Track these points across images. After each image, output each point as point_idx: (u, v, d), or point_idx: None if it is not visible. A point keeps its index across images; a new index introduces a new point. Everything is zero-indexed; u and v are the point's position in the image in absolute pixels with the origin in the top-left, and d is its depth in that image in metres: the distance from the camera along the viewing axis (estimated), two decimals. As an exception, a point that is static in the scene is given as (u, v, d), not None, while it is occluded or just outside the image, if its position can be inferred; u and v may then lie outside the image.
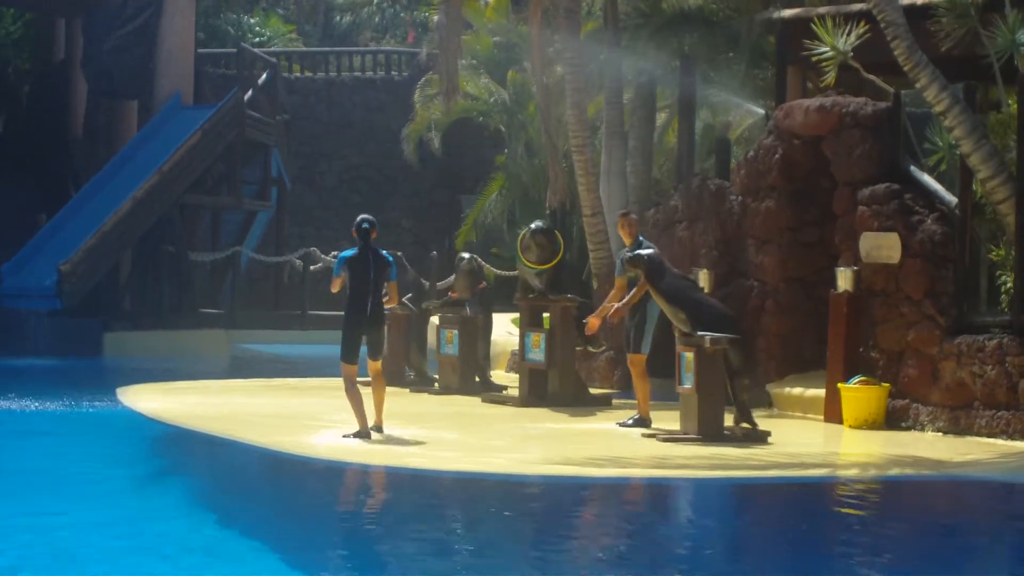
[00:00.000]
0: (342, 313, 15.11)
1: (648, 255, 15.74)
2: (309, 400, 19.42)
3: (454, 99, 26.01)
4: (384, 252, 15.11)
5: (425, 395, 20.36)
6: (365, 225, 15.02)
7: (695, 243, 20.26)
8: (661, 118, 27.40)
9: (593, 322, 16.76)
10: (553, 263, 19.01)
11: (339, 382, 15.29)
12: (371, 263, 14.92)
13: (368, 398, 15.14)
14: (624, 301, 16.10)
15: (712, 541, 10.80)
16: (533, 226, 19.34)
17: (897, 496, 12.98)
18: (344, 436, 15.02)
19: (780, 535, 11.13)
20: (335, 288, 15.24)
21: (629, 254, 15.94)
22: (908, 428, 16.62)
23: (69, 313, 29.20)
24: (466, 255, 21.53)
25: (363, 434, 14.97)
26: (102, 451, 14.98)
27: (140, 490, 12.46)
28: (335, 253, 33.98)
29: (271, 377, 22.63)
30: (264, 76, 36.25)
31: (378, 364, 15.26)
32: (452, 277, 24.26)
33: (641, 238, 16.72)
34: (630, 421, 16.58)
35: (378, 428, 15.23)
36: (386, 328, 17.54)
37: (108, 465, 13.77)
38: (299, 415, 17.33)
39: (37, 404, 18.46)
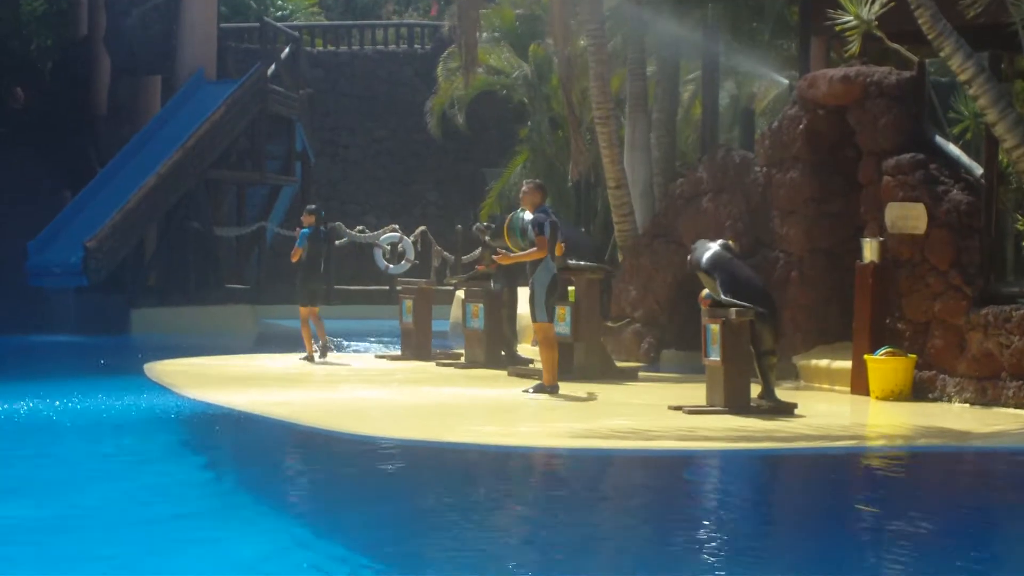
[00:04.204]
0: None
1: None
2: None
3: (473, 72, 26.06)
4: (323, 228, 21.94)
5: (452, 369, 20.41)
6: (321, 213, 22.07)
7: (720, 215, 20.22)
8: (688, 92, 27.35)
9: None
10: None
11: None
12: (323, 237, 21.91)
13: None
14: (515, 257, 17.05)
15: (739, 514, 10.76)
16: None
17: (924, 467, 12.93)
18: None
19: (808, 507, 11.12)
20: (295, 258, 21.22)
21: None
22: (935, 399, 16.59)
23: (95, 290, 29.27)
24: (478, 224, 21.49)
25: (308, 358, 21.23)
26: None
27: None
28: (360, 227, 34.29)
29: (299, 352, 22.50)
30: (287, 50, 36.26)
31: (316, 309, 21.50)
32: (477, 251, 24.28)
33: (546, 205, 17.06)
34: (531, 388, 16.97)
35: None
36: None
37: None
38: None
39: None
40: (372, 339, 28.06)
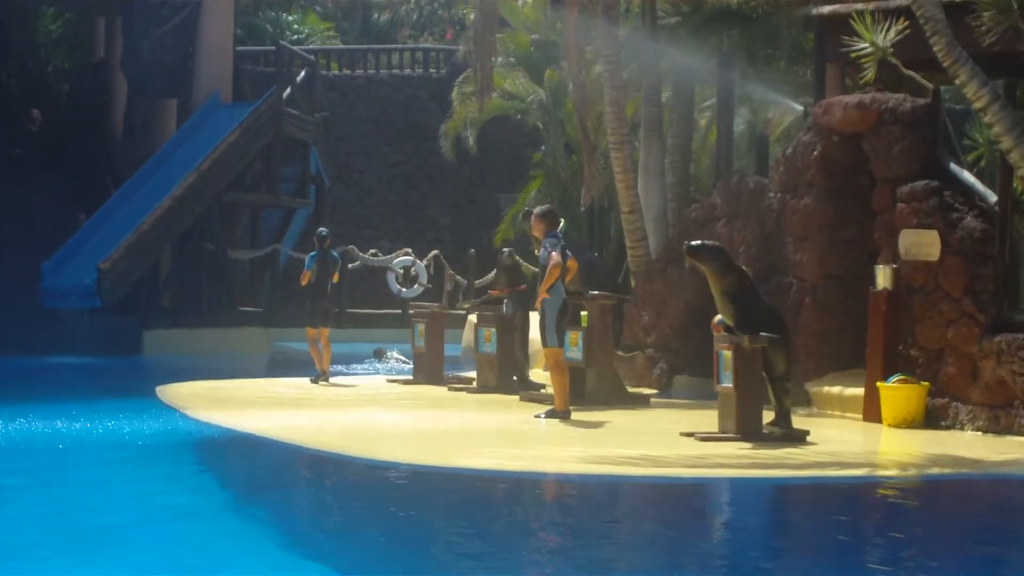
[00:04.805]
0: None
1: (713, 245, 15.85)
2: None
3: (489, 97, 26.09)
4: (334, 252, 22.82)
5: (463, 393, 20.39)
6: (322, 234, 22.53)
7: (734, 240, 20.18)
8: (704, 118, 27.34)
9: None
10: None
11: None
12: (329, 261, 22.32)
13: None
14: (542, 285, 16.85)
15: (751, 542, 10.72)
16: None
17: (937, 495, 12.88)
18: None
19: (820, 535, 11.05)
20: (304, 281, 21.86)
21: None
22: (948, 427, 16.52)
23: (109, 311, 29.29)
24: (506, 249, 21.50)
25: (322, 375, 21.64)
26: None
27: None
28: (373, 251, 34.30)
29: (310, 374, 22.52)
30: (302, 74, 36.29)
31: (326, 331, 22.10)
32: (491, 274, 24.29)
33: (556, 231, 17.11)
34: (543, 414, 16.97)
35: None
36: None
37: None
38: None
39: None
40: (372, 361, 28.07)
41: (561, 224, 17.83)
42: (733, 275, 15.59)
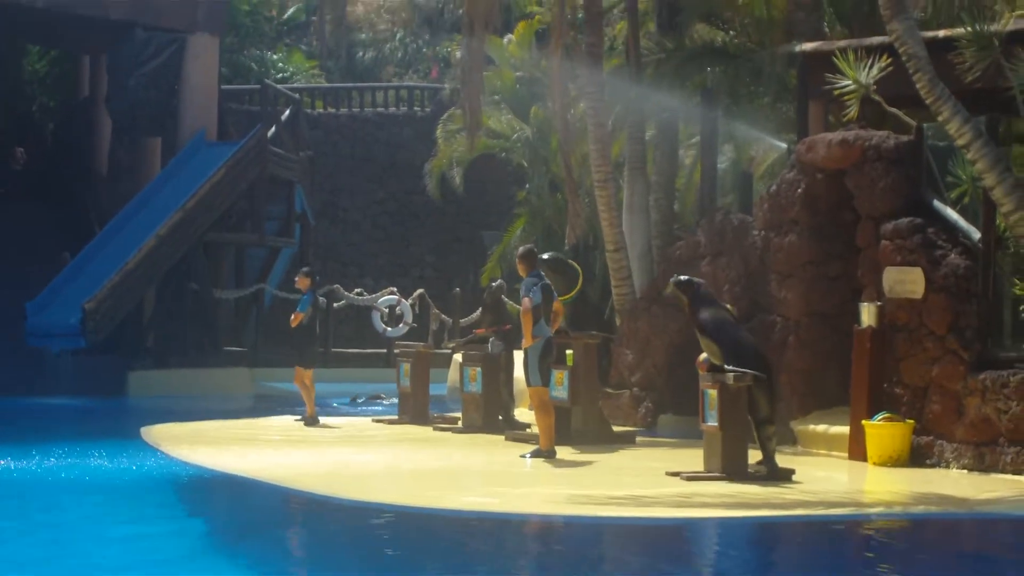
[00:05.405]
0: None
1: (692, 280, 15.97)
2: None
3: (477, 135, 26.04)
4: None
5: (449, 433, 20.33)
6: (316, 277, 22.20)
7: (718, 278, 20.17)
8: (689, 156, 27.37)
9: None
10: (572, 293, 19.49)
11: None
12: (317, 302, 22.14)
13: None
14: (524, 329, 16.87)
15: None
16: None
17: (922, 534, 12.85)
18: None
19: (805, 575, 10.99)
20: (295, 323, 21.29)
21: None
22: (933, 465, 16.49)
23: (93, 351, 29.17)
24: (495, 283, 21.48)
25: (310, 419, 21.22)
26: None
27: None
28: (359, 290, 34.25)
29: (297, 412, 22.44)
30: (287, 112, 36.31)
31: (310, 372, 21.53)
32: (476, 313, 24.24)
33: (538, 270, 17.25)
34: (529, 454, 16.93)
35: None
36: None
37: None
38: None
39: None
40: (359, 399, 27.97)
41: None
42: (712, 311, 15.56)
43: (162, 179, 33.86)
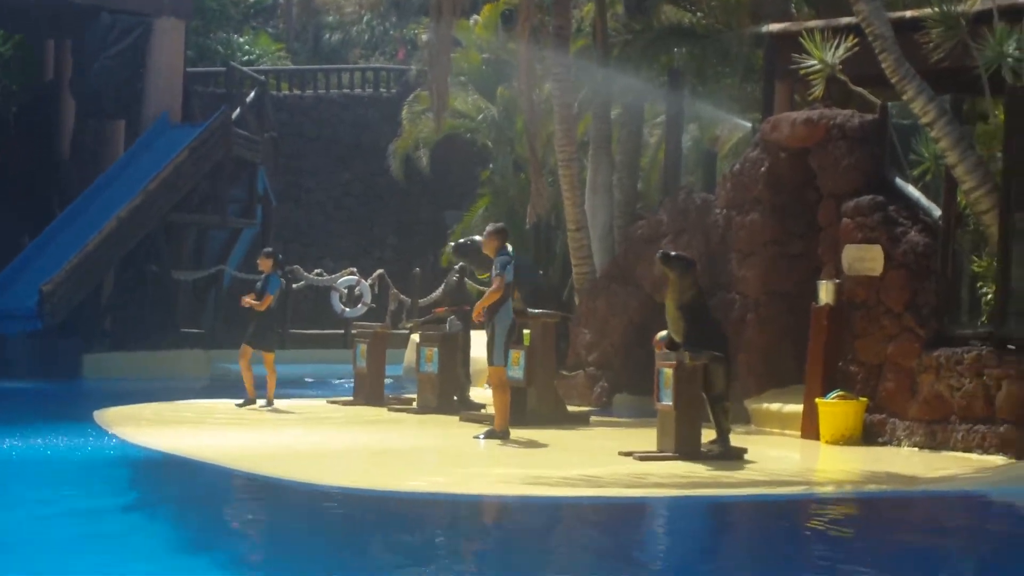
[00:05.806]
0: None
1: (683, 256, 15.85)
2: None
3: (444, 116, 25.80)
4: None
5: (404, 414, 20.09)
6: (279, 257, 21.60)
7: (679, 257, 19.95)
8: (655, 135, 27.20)
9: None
10: None
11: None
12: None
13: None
14: (480, 301, 16.75)
15: (687, 561, 10.59)
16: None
17: (871, 512, 12.80)
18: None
19: (756, 554, 10.94)
20: (263, 307, 20.65)
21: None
22: (885, 443, 16.45)
23: (49, 334, 28.84)
24: (457, 266, 21.20)
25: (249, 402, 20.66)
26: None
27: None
28: (318, 271, 33.97)
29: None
30: (252, 94, 36.02)
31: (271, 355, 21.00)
32: (437, 292, 24.02)
33: (507, 248, 16.87)
34: (482, 435, 16.71)
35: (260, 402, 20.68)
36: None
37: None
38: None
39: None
40: (310, 380, 27.76)
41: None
42: (695, 291, 15.35)
43: (125, 161, 33.52)
